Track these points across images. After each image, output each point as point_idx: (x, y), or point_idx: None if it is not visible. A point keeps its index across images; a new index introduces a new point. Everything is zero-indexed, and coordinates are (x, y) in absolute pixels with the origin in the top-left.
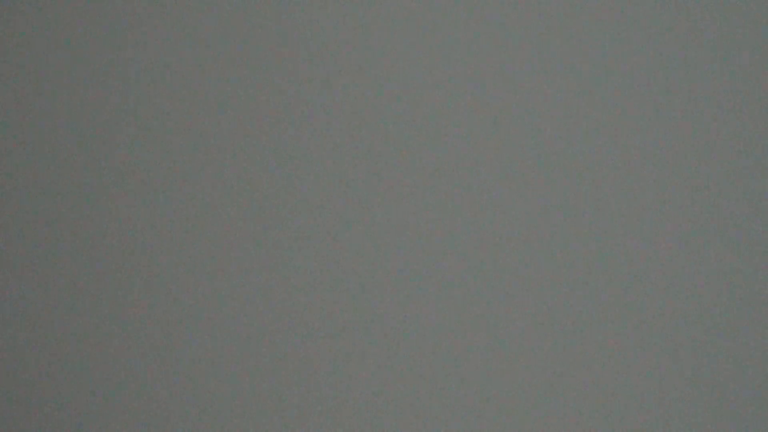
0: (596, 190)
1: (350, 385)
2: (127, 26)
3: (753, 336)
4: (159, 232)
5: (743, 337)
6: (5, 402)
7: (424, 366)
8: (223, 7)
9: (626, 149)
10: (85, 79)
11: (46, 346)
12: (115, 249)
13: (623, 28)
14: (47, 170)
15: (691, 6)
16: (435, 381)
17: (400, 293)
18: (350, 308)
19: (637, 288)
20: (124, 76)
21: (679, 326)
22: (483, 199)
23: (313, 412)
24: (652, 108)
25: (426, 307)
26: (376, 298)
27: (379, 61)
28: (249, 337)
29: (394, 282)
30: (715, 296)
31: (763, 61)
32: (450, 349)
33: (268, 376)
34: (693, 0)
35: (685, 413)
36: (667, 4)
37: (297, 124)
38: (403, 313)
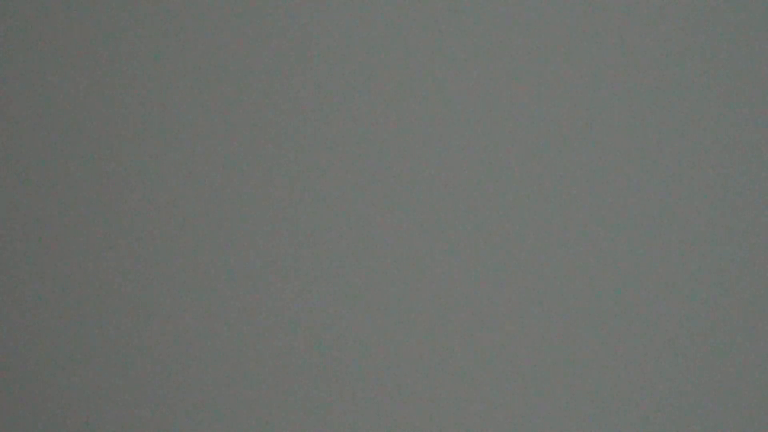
0: (594, 190)
1: (350, 384)
2: (128, 26)
3: (753, 336)
4: (160, 232)
5: (743, 337)
6: (5, 402)
7: (425, 366)
8: (223, 7)
9: (624, 149)
10: (86, 79)
11: (46, 346)
12: (117, 249)
13: (623, 28)
14: (47, 170)
15: (690, 6)
16: (435, 381)
17: (400, 294)
18: (350, 308)
19: (635, 288)
20: (125, 76)
21: (678, 326)
22: (482, 199)
23: (312, 412)
24: (650, 108)
25: (426, 308)
26: (377, 298)
27: (380, 61)
28: (249, 338)
29: (393, 282)
30: (714, 296)
31: (763, 61)
32: (449, 348)
33: (269, 376)
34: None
35: (684, 413)
36: (666, 4)
37: (298, 124)
38: (403, 314)
